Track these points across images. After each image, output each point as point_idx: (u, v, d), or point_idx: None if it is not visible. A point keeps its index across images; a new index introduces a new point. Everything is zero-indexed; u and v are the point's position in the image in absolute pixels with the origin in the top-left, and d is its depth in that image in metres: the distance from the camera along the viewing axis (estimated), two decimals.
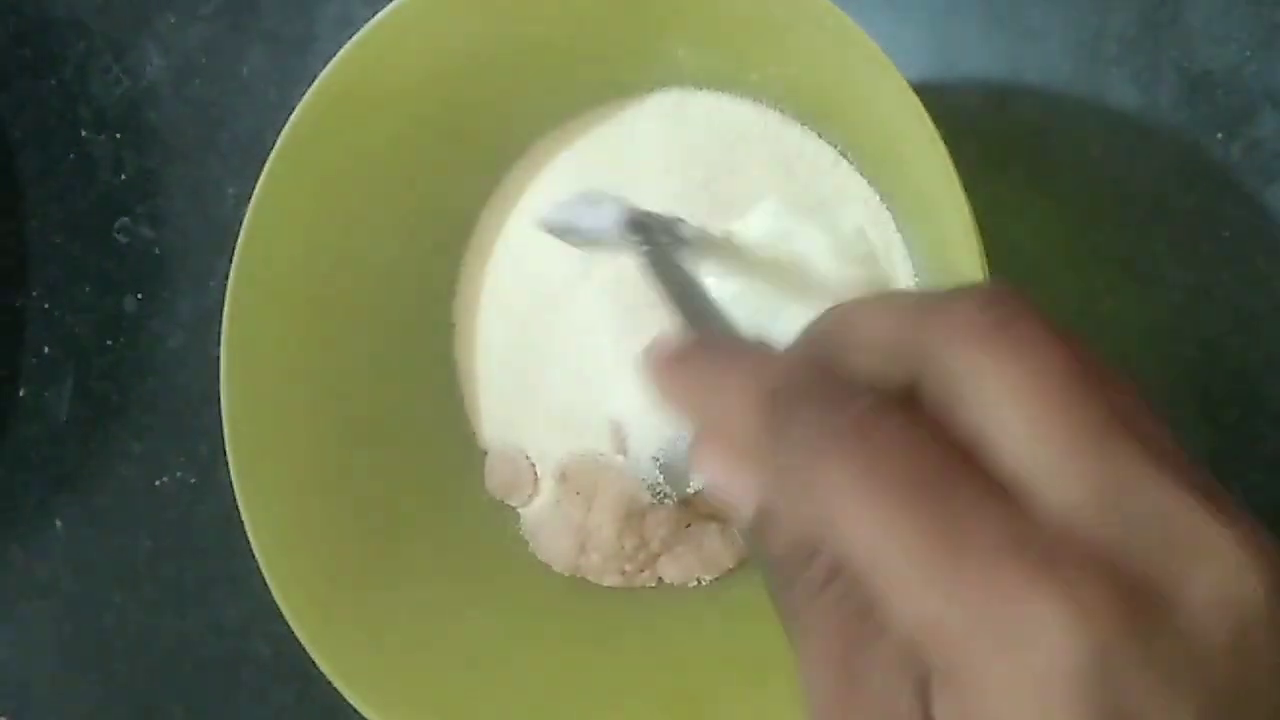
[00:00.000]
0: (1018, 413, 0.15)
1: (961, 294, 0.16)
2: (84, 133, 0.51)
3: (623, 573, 0.39)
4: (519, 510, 0.41)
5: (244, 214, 0.35)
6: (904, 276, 0.36)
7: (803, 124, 0.38)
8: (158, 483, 0.50)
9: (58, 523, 0.51)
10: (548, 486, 0.41)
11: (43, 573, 0.51)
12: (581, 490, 0.39)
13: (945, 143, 0.29)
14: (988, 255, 0.29)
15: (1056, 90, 0.38)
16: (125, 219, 0.50)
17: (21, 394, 0.52)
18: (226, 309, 0.35)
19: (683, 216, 0.34)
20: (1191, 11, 0.37)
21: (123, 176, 0.50)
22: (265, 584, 0.34)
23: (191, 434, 0.49)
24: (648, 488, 0.37)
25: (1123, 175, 0.38)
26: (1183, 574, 0.14)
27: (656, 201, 0.39)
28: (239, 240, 0.35)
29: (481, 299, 0.42)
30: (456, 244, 0.42)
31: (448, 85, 0.37)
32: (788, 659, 0.26)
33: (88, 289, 0.51)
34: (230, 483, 0.34)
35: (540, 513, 0.41)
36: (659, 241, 0.32)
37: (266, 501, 0.34)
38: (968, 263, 0.29)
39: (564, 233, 0.34)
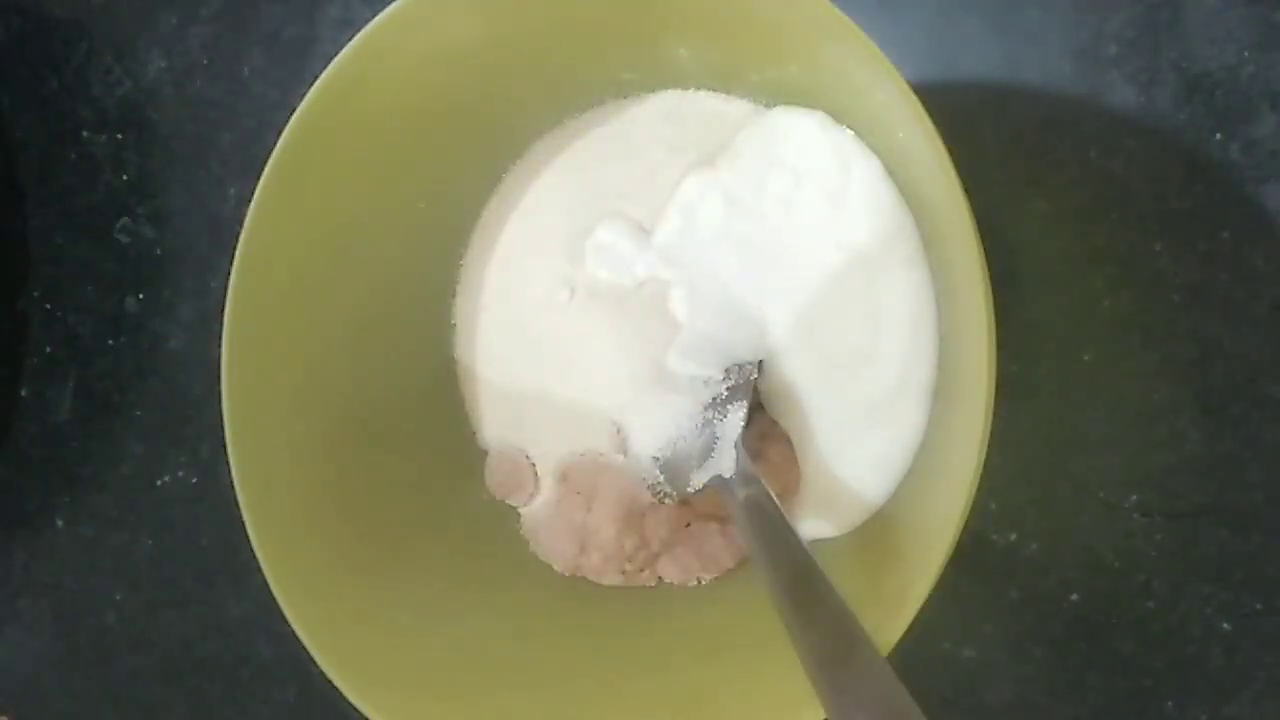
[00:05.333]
0: None
1: None
2: (85, 133, 0.51)
3: (623, 573, 0.39)
4: (519, 510, 0.41)
5: (245, 214, 0.35)
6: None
7: None
8: (158, 483, 0.50)
9: (58, 522, 0.51)
10: (548, 486, 0.41)
11: (43, 572, 0.52)
12: (582, 490, 0.39)
13: (945, 143, 0.29)
14: (988, 255, 0.29)
15: (1056, 91, 0.38)
16: (126, 219, 0.50)
17: (23, 394, 0.52)
18: (228, 309, 0.35)
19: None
20: (1190, 13, 0.37)
21: (124, 177, 0.51)
22: (266, 584, 0.34)
23: (192, 434, 0.49)
24: (648, 487, 0.37)
25: (1122, 175, 0.38)
26: None
27: (653, 198, 0.39)
28: (240, 240, 0.35)
29: (482, 299, 0.42)
30: (457, 244, 0.42)
31: (448, 86, 0.37)
32: (787, 658, 0.27)
33: (89, 289, 0.51)
34: (231, 482, 0.35)
35: (540, 513, 0.41)
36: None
37: (267, 501, 0.35)
38: (967, 262, 0.29)
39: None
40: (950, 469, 0.30)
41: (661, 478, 0.37)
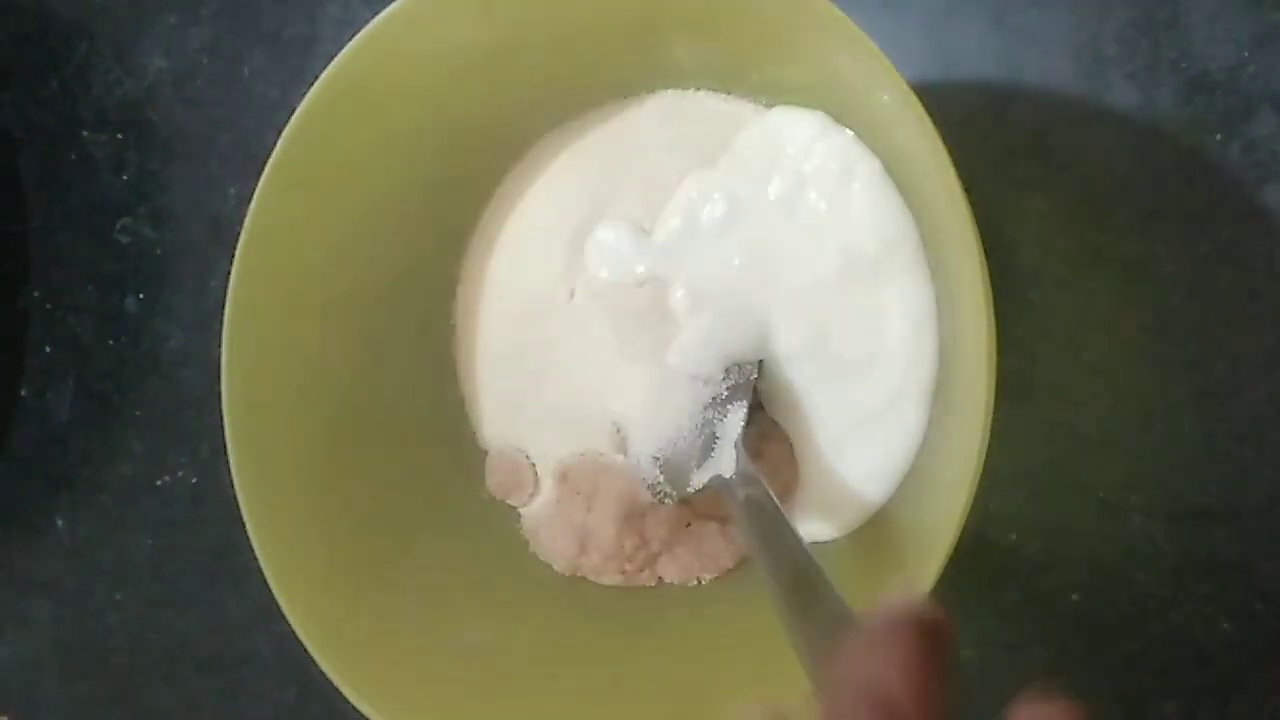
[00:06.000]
0: None
1: None
2: (86, 133, 0.51)
3: (623, 572, 0.39)
4: (519, 510, 0.41)
5: (245, 214, 0.35)
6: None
7: None
8: (158, 483, 0.50)
9: (59, 522, 0.51)
10: (548, 486, 0.41)
11: (43, 572, 0.52)
12: (581, 490, 0.39)
13: (944, 143, 0.29)
14: (988, 255, 0.29)
15: (1056, 91, 0.38)
16: (127, 219, 0.50)
17: (23, 394, 0.52)
18: (228, 309, 0.35)
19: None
20: (1190, 13, 0.37)
21: (124, 177, 0.51)
22: (266, 583, 0.34)
23: (192, 434, 0.49)
24: (648, 487, 0.37)
25: (1122, 175, 0.38)
26: None
27: (654, 198, 0.39)
28: (240, 240, 0.35)
29: (482, 299, 0.42)
30: (457, 244, 0.42)
31: (448, 86, 0.37)
32: (787, 657, 0.27)
33: (89, 289, 0.51)
34: (231, 482, 0.35)
35: (540, 512, 0.41)
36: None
37: (267, 501, 0.35)
38: (967, 263, 0.29)
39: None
40: (950, 469, 0.30)
41: (661, 478, 0.37)
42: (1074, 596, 0.38)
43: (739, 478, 0.34)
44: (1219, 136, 0.37)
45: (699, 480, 0.35)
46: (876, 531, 0.35)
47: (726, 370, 0.36)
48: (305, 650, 0.33)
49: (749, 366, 0.36)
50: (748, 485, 0.33)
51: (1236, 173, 0.36)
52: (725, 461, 0.35)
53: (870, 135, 0.35)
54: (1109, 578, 0.37)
